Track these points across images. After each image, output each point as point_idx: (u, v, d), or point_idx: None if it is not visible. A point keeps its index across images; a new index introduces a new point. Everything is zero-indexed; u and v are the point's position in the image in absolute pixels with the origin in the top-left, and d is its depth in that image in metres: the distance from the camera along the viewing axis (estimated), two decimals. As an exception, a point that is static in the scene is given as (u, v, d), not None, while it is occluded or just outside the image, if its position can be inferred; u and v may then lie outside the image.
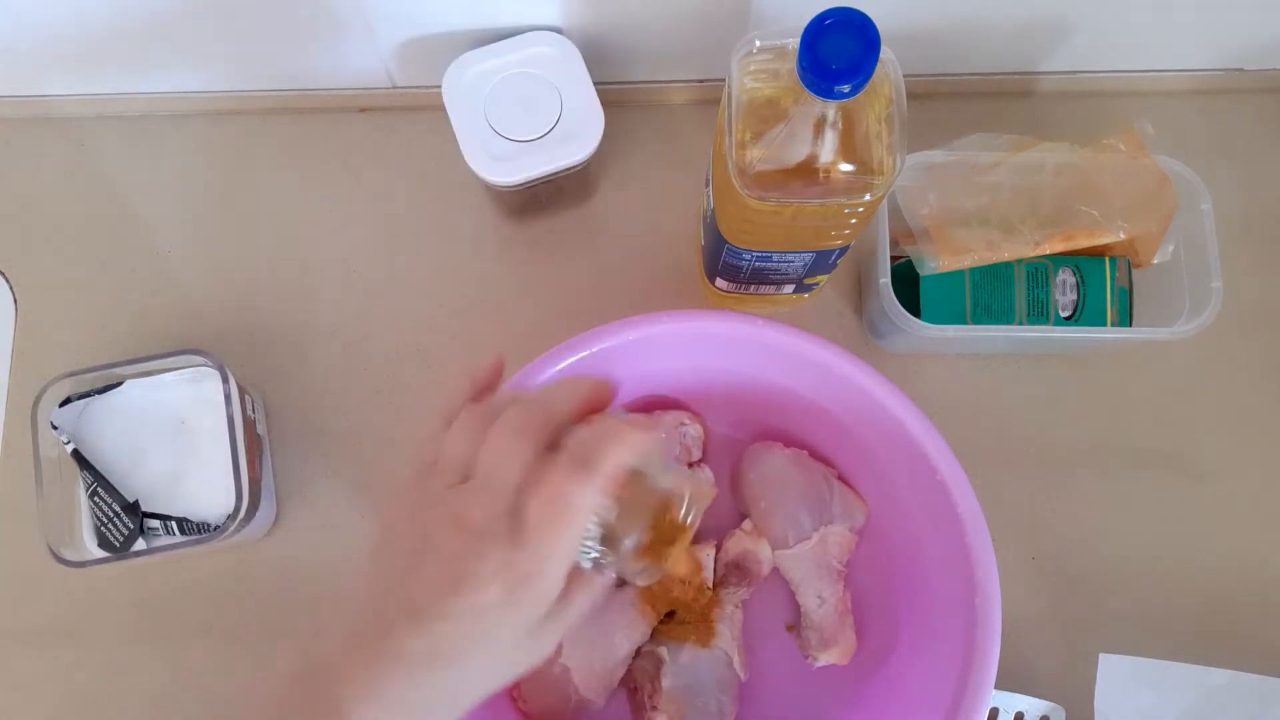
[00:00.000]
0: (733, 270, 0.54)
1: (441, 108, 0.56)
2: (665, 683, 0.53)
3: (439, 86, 0.56)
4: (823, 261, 0.52)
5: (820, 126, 0.41)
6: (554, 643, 0.38)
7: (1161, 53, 0.63)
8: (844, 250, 0.51)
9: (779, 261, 0.52)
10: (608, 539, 0.37)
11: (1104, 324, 0.57)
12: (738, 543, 0.56)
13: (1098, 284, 0.57)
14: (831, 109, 0.40)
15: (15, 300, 0.63)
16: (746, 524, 0.57)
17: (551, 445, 0.36)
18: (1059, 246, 0.55)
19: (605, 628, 0.53)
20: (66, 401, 0.56)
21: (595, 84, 0.57)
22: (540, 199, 0.60)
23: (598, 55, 0.59)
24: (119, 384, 0.57)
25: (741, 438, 0.59)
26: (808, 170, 0.43)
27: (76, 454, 0.56)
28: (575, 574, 0.37)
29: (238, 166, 0.65)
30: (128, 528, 0.55)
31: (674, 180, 0.64)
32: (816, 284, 0.57)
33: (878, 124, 0.42)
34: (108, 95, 0.64)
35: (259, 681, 0.57)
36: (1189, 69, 0.64)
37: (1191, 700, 0.55)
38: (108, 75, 0.63)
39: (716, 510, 0.58)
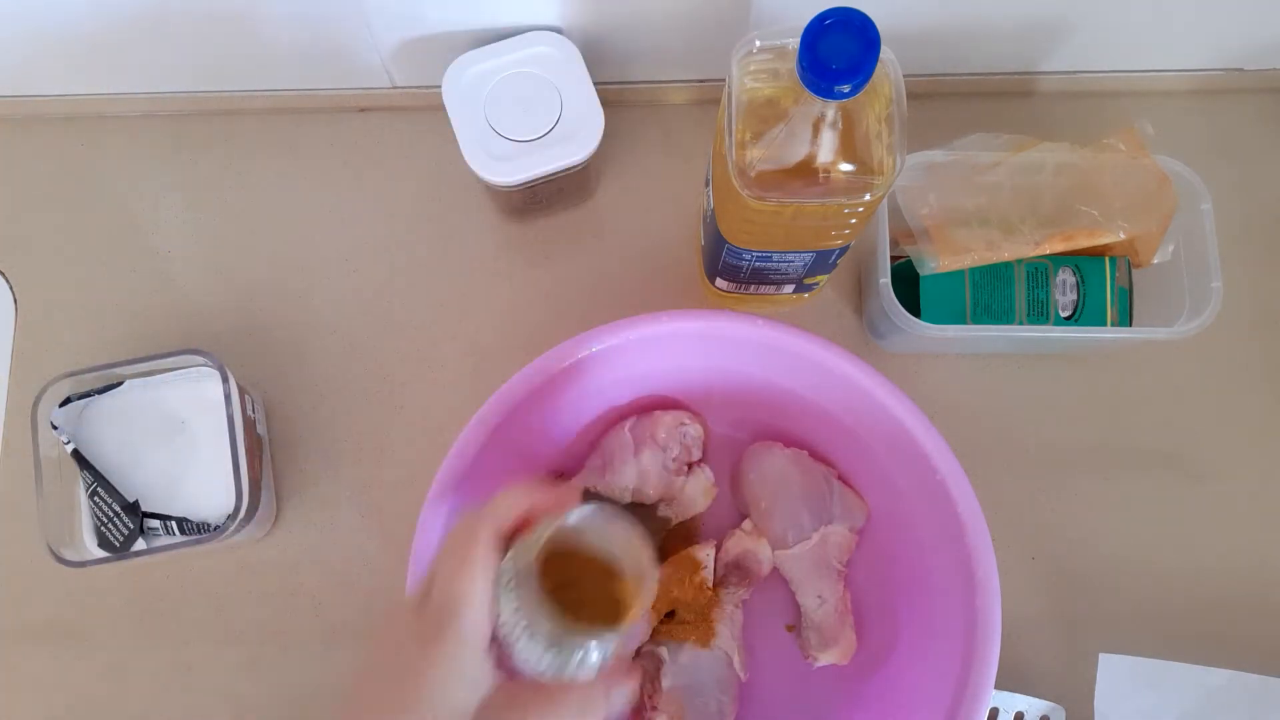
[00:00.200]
0: (733, 270, 0.54)
1: (441, 108, 0.56)
2: (665, 683, 0.53)
3: (439, 86, 0.57)
4: (823, 261, 0.52)
5: (820, 126, 0.41)
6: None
7: (1161, 53, 0.63)
8: (844, 250, 0.51)
9: (779, 261, 0.52)
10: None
11: (1104, 324, 0.57)
12: (738, 543, 0.56)
13: (1098, 284, 0.57)
14: (831, 109, 0.40)
15: (15, 300, 0.63)
16: (746, 524, 0.57)
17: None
18: (1059, 246, 0.55)
19: (605, 628, 0.53)
20: (66, 401, 0.56)
21: (595, 84, 0.57)
22: (540, 199, 0.60)
23: (598, 55, 0.59)
24: (119, 384, 0.57)
25: (741, 438, 0.59)
26: (808, 170, 0.43)
27: (76, 454, 0.56)
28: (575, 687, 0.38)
29: (238, 166, 0.65)
30: (128, 528, 0.55)
31: (674, 180, 0.64)
32: (816, 284, 0.57)
33: (878, 124, 0.42)
34: (108, 95, 0.64)
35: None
36: (1189, 69, 0.64)
37: (1191, 700, 0.55)
38: (107, 75, 0.63)
39: (716, 510, 0.58)
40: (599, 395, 0.55)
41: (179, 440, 0.57)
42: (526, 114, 0.56)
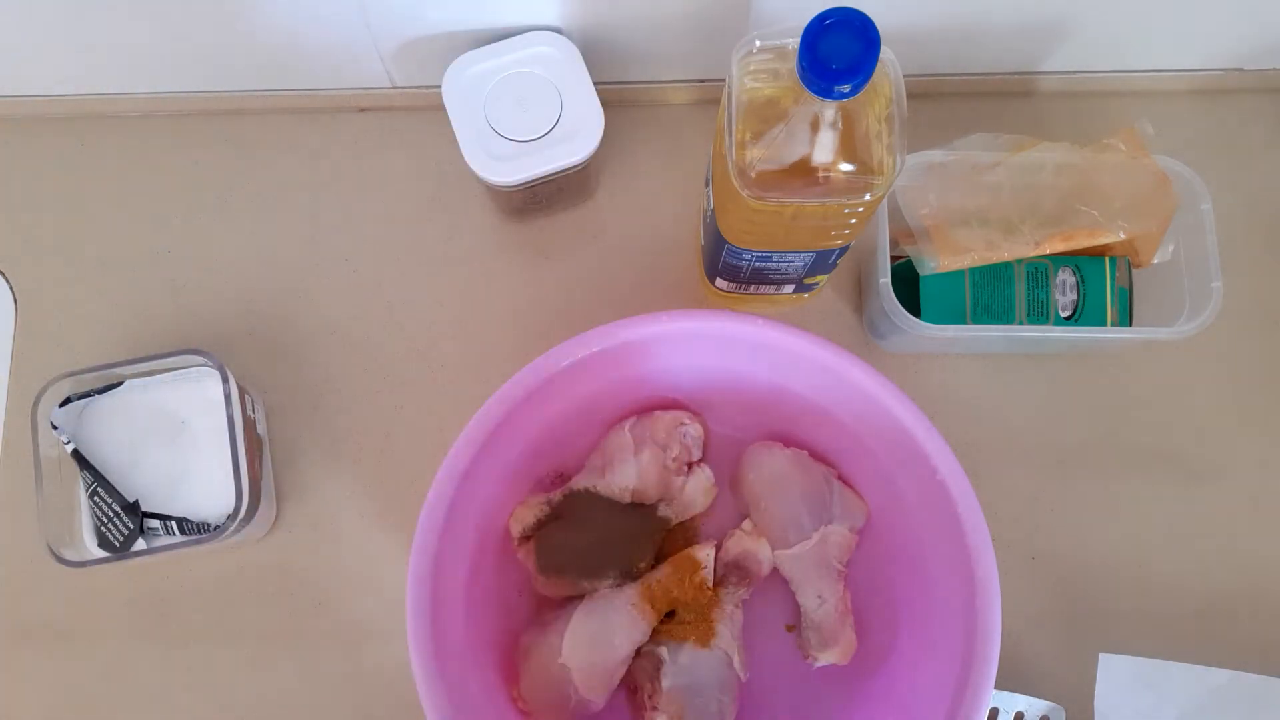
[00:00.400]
0: (733, 270, 0.54)
1: (441, 108, 0.56)
2: (665, 683, 0.53)
3: (439, 86, 0.57)
4: (823, 261, 0.52)
5: (820, 126, 0.41)
6: None
7: (1161, 53, 0.63)
8: (844, 250, 0.51)
9: (779, 261, 0.52)
10: None
11: (1104, 324, 0.57)
12: (738, 543, 0.56)
13: (1098, 284, 0.57)
14: (831, 109, 0.40)
15: (15, 300, 0.63)
16: (746, 524, 0.57)
17: None
18: (1059, 246, 0.55)
19: (605, 628, 0.53)
20: (66, 401, 0.56)
21: (595, 84, 0.57)
22: (540, 199, 0.60)
23: (598, 55, 0.59)
24: (119, 384, 0.57)
25: (741, 438, 0.59)
26: (808, 170, 0.43)
27: (76, 454, 0.56)
28: None
29: (238, 166, 0.65)
30: (128, 528, 0.55)
31: (674, 180, 0.64)
32: (816, 284, 0.57)
33: (878, 124, 0.42)
34: (108, 95, 0.64)
35: None
36: (1189, 69, 0.64)
37: (1191, 700, 0.55)
38: (107, 75, 0.63)
39: (717, 510, 0.58)
40: (599, 395, 0.55)
41: (179, 440, 0.57)
42: (526, 114, 0.56)
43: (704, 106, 0.66)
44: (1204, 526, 0.60)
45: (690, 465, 0.57)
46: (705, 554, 0.55)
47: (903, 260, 0.58)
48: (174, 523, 0.56)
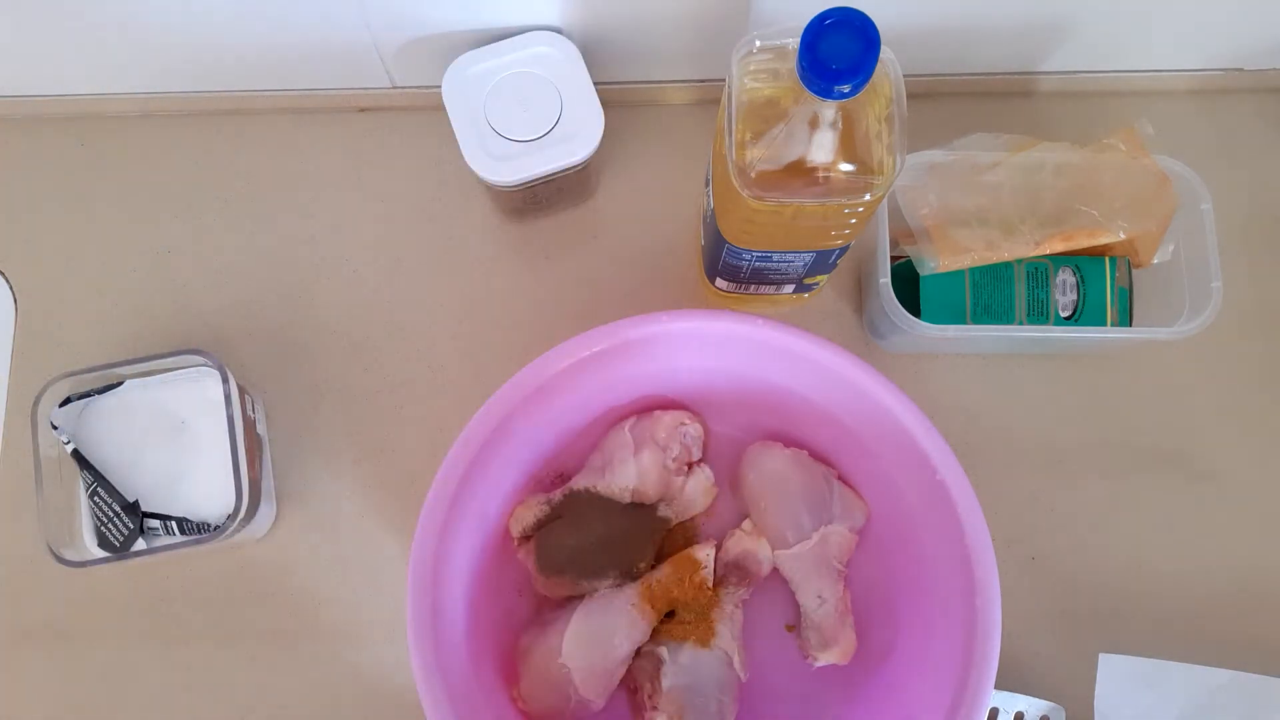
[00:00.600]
0: (733, 270, 0.54)
1: (441, 108, 0.56)
2: (665, 683, 0.53)
3: (439, 86, 0.57)
4: (823, 261, 0.52)
5: (820, 126, 0.41)
6: None
7: (1161, 53, 0.63)
8: (844, 250, 0.51)
9: (779, 261, 0.52)
10: None
11: (1104, 324, 0.57)
12: (738, 543, 0.56)
13: (1098, 284, 0.57)
14: (831, 109, 0.40)
15: (15, 300, 0.63)
16: (746, 524, 0.57)
17: None
18: (1059, 246, 0.55)
19: (605, 628, 0.53)
20: (66, 401, 0.56)
21: (595, 84, 0.57)
22: (540, 199, 0.60)
23: (598, 55, 0.59)
24: (119, 384, 0.57)
25: (741, 438, 0.59)
26: (808, 170, 0.43)
27: (76, 454, 0.56)
28: None
29: (238, 166, 0.65)
30: (128, 528, 0.55)
31: (674, 180, 0.64)
32: (816, 284, 0.57)
33: (878, 124, 0.42)
34: (108, 95, 0.64)
35: None
36: (1189, 69, 0.64)
37: (1191, 700, 0.55)
38: (107, 75, 0.63)
39: (717, 510, 0.58)
40: (599, 395, 0.55)
41: (179, 440, 0.57)
42: (526, 114, 0.56)
43: (704, 106, 0.66)
44: (1204, 526, 0.60)
45: (690, 465, 0.57)
46: (705, 554, 0.55)
47: (903, 260, 0.58)
48: (174, 523, 0.56)
